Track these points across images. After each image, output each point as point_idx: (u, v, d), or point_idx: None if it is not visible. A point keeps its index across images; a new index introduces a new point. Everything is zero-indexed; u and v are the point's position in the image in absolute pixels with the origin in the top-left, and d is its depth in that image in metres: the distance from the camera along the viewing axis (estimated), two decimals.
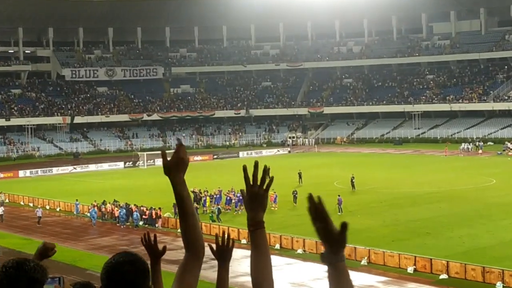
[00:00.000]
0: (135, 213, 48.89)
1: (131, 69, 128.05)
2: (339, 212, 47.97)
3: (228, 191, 54.65)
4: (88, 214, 51.77)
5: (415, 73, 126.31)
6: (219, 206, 51.19)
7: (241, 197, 48.98)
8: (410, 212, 48.80)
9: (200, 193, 54.72)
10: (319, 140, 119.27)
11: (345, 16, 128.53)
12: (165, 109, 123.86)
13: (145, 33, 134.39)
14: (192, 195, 52.39)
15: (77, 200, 54.92)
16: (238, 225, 43.76)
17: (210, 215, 48.81)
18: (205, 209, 52.26)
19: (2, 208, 54.19)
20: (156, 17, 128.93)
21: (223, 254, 4.11)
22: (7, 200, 61.62)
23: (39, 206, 54.16)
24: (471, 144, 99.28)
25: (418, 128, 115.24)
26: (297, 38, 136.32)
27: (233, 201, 52.89)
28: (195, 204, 51.97)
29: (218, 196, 54.22)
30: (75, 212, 54.03)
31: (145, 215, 49.30)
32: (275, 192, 51.08)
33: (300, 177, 64.43)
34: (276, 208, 50.87)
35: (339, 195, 49.65)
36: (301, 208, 49.55)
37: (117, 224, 50.17)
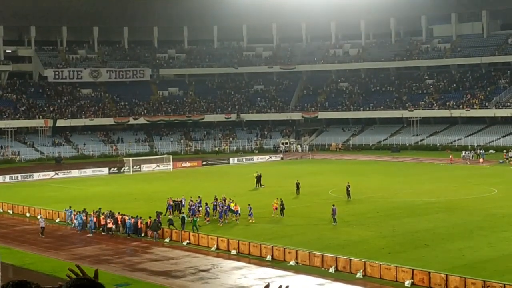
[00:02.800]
0: (128, 221, 46.88)
1: (117, 70, 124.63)
2: (334, 222, 46.85)
3: (215, 200, 52.13)
4: (76, 222, 49.86)
5: (414, 77, 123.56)
6: (192, 217, 48.43)
7: (225, 207, 46.51)
8: (408, 223, 47.52)
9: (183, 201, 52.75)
10: (313, 146, 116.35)
11: (342, 17, 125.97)
12: (152, 112, 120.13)
13: (132, 33, 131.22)
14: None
15: (70, 207, 52.42)
16: (229, 235, 43.32)
17: (193, 223, 46.07)
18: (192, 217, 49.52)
19: None
20: (144, 16, 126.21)
21: None
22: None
23: (40, 215, 51.47)
24: (472, 152, 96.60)
25: (417, 135, 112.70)
26: (291, 39, 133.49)
27: (217, 210, 50.49)
28: (176, 213, 51.08)
29: (196, 205, 51.31)
30: (67, 220, 51.50)
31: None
32: (249, 205, 49.69)
33: (298, 187, 60.46)
34: (253, 221, 48.69)
35: (333, 205, 48.54)
36: (293, 219, 50.10)
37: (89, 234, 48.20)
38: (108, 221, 46.74)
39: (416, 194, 61.33)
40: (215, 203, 51.23)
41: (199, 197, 53.19)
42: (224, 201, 51.04)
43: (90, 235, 47.36)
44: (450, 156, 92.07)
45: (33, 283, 3.49)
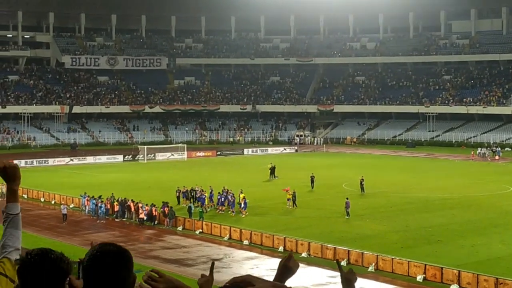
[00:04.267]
0: (141, 208, 46.86)
1: (134, 58, 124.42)
2: (347, 215, 46.70)
3: (224, 190, 51.66)
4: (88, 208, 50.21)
5: (431, 73, 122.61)
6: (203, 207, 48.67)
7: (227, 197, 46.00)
8: (421, 218, 47.10)
9: (199, 191, 52.12)
10: (328, 139, 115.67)
11: (360, 10, 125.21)
12: (168, 101, 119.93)
13: (150, 22, 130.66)
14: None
15: (85, 193, 52.32)
16: (242, 225, 43.30)
17: (199, 214, 45.95)
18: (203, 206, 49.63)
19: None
20: (162, 5, 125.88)
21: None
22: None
23: (63, 202, 51.47)
24: (487, 149, 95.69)
25: (433, 131, 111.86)
26: (309, 32, 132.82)
27: (229, 200, 50.02)
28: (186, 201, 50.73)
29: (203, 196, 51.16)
30: (82, 206, 51.65)
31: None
32: (244, 197, 48.91)
33: (312, 181, 59.97)
34: (246, 214, 48.00)
35: (347, 198, 48.34)
36: (306, 211, 49.81)
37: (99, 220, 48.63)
38: (140, 211, 46.11)
39: (430, 189, 60.75)
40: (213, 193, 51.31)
41: (210, 187, 53.01)
42: (227, 192, 50.60)
43: (103, 221, 47.42)
44: (472, 153, 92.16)
45: (56, 252, 3.52)
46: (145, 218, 45.82)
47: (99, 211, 48.47)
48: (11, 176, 4.21)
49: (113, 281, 3.41)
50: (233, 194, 49.74)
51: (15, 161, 71.10)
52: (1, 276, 3.83)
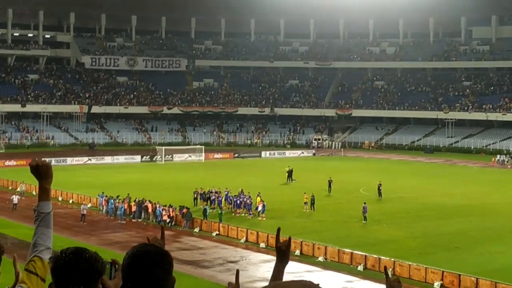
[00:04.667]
0: (157, 209, 46.91)
1: (153, 59, 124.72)
2: (364, 220, 46.83)
3: (241, 193, 51.55)
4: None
5: (450, 78, 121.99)
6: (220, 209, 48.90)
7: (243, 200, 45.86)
8: (439, 224, 47.00)
9: (215, 192, 52.60)
10: (346, 143, 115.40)
11: (380, 15, 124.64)
12: (186, 103, 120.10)
13: (170, 23, 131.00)
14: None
15: (103, 192, 52.55)
16: (258, 228, 43.44)
17: (219, 216, 46.18)
18: (220, 209, 49.61)
19: (18, 197, 52.51)
20: (182, 7, 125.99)
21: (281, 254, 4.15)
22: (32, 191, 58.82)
23: (84, 202, 51.39)
24: (507, 156, 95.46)
25: (451, 137, 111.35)
26: (328, 36, 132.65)
27: (246, 203, 49.95)
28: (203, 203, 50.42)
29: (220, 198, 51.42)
30: (99, 206, 51.64)
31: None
32: (262, 201, 48.74)
33: (330, 185, 59.79)
34: (264, 218, 47.67)
35: (364, 203, 48.24)
36: (323, 215, 49.87)
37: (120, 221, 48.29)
38: (164, 213, 45.97)
39: (449, 196, 60.53)
40: (230, 195, 51.28)
41: (225, 189, 53.04)
42: (244, 194, 50.56)
43: (122, 222, 47.46)
44: (493, 159, 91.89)
45: (90, 252, 3.50)
46: (168, 220, 45.62)
47: (118, 212, 48.39)
48: (43, 174, 4.17)
49: (152, 282, 3.37)
50: (250, 197, 49.64)
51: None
52: (32, 275, 3.81)
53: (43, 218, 4.12)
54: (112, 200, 49.63)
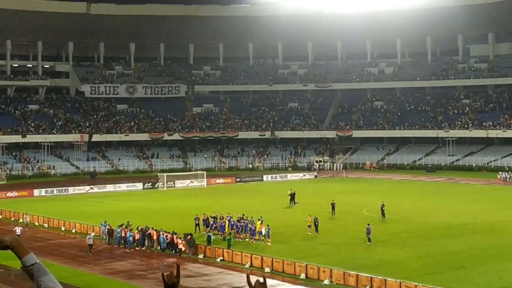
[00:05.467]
0: (162, 236, 46.52)
1: (152, 86, 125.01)
2: (368, 242, 46.45)
3: (241, 218, 51.19)
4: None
5: (450, 97, 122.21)
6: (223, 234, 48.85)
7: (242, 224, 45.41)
8: (444, 243, 46.67)
9: (219, 218, 52.26)
10: (347, 165, 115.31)
11: (377, 36, 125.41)
12: (187, 128, 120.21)
13: (168, 50, 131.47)
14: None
15: (105, 221, 51.96)
16: (263, 253, 43.18)
17: (227, 241, 45.79)
18: (223, 234, 49.39)
19: (20, 228, 51.98)
20: (180, 33, 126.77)
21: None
22: (34, 222, 59.57)
23: (91, 232, 50.53)
24: (508, 173, 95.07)
25: (452, 155, 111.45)
26: (326, 58, 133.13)
27: (250, 228, 49.55)
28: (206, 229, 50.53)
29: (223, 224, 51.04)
30: (102, 235, 51.12)
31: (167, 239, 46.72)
32: (267, 225, 48.24)
33: (333, 208, 59.63)
34: (269, 243, 47.15)
35: (368, 224, 47.97)
36: (327, 237, 49.51)
37: (127, 249, 47.69)
38: (180, 241, 45.32)
39: (452, 214, 60.35)
40: (232, 220, 50.81)
41: (228, 214, 52.71)
42: (241, 218, 50.33)
43: (129, 250, 47.25)
44: (499, 177, 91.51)
45: None
46: (183, 248, 44.98)
47: (127, 240, 47.80)
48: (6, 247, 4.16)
49: None
50: (253, 221, 49.46)
51: (36, 191, 71.45)
52: None
53: (36, 269, 4.06)
54: (119, 229, 49.24)
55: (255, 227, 48.59)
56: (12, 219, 61.63)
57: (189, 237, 45.31)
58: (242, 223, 49.51)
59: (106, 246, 49.14)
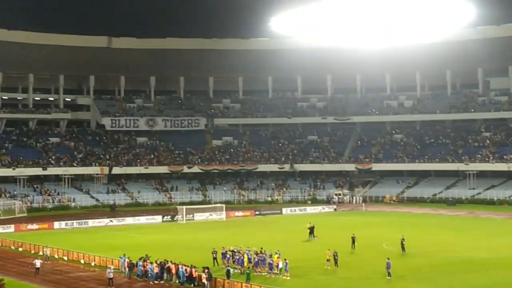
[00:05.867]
0: (180, 270, 46.04)
1: (172, 119, 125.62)
2: (388, 276, 45.57)
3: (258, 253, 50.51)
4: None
5: (470, 130, 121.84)
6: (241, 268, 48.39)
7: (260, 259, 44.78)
8: (465, 278, 45.83)
9: (237, 251, 51.61)
10: (367, 198, 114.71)
11: (397, 69, 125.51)
12: (206, 161, 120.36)
13: (188, 83, 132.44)
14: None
15: (124, 255, 51.62)
16: (281, 286, 42.86)
17: (248, 272, 45.63)
18: (242, 268, 48.91)
19: (40, 261, 51.77)
20: (199, 66, 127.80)
21: None
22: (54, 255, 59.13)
23: (110, 265, 49.76)
24: None
25: (473, 189, 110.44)
26: (346, 91, 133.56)
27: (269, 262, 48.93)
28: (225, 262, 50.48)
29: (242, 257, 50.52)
30: (122, 268, 50.41)
31: (186, 273, 46.25)
32: (285, 259, 47.41)
33: (353, 241, 59.15)
34: (288, 278, 46.43)
35: (388, 258, 46.89)
36: (347, 271, 48.80)
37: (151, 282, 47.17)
38: (203, 276, 44.19)
39: (473, 249, 59.73)
40: (250, 254, 50.48)
41: (246, 248, 52.29)
42: (260, 252, 49.94)
43: (151, 283, 46.94)
44: None
45: None
46: (206, 283, 44.72)
47: (149, 273, 47.49)
48: None
49: None
50: (272, 255, 49.23)
51: (56, 223, 71.71)
52: None
53: None
54: (141, 262, 48.87)
55: (272, 261, 48.33)
56: (32, 251, 61.67)
57: (206, 270, 45.17)
58: (260, 257, 49.28)
59: (126, 280, 48.95)
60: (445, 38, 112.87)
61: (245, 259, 49.86)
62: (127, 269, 49.25)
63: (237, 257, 50.54)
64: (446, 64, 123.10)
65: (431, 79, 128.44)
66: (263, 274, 48.13)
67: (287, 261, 47.35)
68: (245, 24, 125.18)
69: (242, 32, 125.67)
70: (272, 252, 49.61)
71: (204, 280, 44.18)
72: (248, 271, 46.01)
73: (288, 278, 46.40)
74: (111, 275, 46.11)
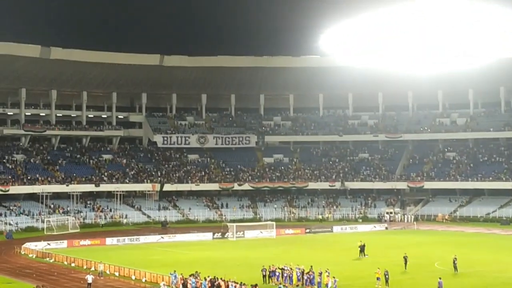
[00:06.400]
0: (230, 287, 46.03)
1: (223, 136, 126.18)
2: None
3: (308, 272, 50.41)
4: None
5: None
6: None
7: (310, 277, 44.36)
8: None
9: (288, 269, 51.28)
10: (419, 216, 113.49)
11: (449, 86, 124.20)
12: (257, 179, 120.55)
13: (239, 100, 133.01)
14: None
15: (174, 271, 51.95)
16: None
17: None
18: (290, 286, 48.87)
19: (92, 276, 52.28)
20: (251, 84, 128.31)
21: None
22: (105, 270, 59.57)
23: (162, 282, 50.15)
24: None
25: None
26: (397, 108, 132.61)
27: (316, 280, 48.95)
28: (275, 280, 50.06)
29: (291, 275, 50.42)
30: (172, 285, 50.45)
31: None
32: (334, 277, 47.39)
33: (406, 261, 58.32)
34: None
35: (440, 278, 46.58)
36: None
37: None
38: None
39: None
40: (299, 272, 50.29)
41: (296, 265, 52.04)
42: (310, 271, 49.69)
43: None
44: None
45: None
46: None
47: None
48: None
49: None
50: (321, 273, 48.96)
51: (108, 239, 72.76)
52: None
53: None
54: (194, 279, 48.91)
55: (321, 279, 48.06)
56: (84, 267, 62.40)
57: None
58: (310, 275, 49.06)
59: None
60: (498, 56, 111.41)
61: (294, 277, 49.72)
62: (180, 285, 49.21)
63: (286, 274, 50.44)
64: (499, 81, 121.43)
65: (484, 96, 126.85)
66: None
67: (336, 280, 47.07)
68: (296, 42, 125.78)
69: (293, 49, 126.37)
70: (322, 270, 49.40)
71: None
72: None
73: None
74: None
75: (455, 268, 56.23)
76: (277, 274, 51.09)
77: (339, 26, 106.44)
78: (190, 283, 48.70)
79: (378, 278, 49.71)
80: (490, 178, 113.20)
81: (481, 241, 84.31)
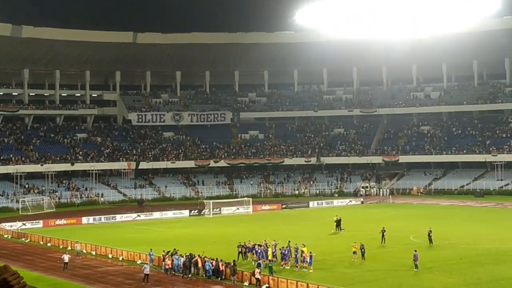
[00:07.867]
0: (207, 263, 46.26)
1: (198, 114, 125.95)
2: (415, 268, 45.57)
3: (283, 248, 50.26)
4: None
5: (497, 120, 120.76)
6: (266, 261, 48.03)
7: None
8: (493, 270, 45.48)
9: (264, 245, 51.08)
10: (394, 190, 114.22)
11: (423, 60, 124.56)
12: (232, 155, 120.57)
13: (214, 77, 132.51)
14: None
15: (151, 250, 51.99)
16: (307, 279, 42.24)
17: (270, 265, 45.77)
18: (266, 261, 48.41)
19: (68, 256, 52.10)
20: (225, 61, 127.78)
21: None
22: (82, 250, 59.24)
23: (147, 262, 49.85)
24: None
25: (501, 180, 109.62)
26: (372, 83, 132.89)
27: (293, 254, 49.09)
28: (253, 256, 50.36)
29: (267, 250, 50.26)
30: (149, 263, 49.93)
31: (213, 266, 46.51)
32: (310, 252, 47.29)
33: (383, 235, 58.56)
34: (311, 271, 46.33)
35: (415, 250, 46.94)
36: (373, 264, 48.80)
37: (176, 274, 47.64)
38: (257, 270, 43.91)
39: (501, 240, 59.11)
40: (274, 248, 50.07)
41: (273, 241, 52.09)
42: (283, 246, 49.63)
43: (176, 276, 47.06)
44: None
45: None
46: (260, 277, 43.14)
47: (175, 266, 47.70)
48: None
49: None
50: (297, 249, 49.11)
51: (84, 218, 72.49)
52: None
53: None
54: (177, 256, 48.49)
55: (297, 254, 48.19)
56: (61, 246, 62.20)
57: (231, 264, 45.27)
58: (285, 250, 49.11)
59: (152, 273, 48.66)
60: (471, 28, 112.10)
61: (270, 252, 49.82)
62: (181, 267, 48.02)
63: (260, 250, 50.40)
64: (472, 55, 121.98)
65: (457, 70, 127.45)
66: (286, 268, 48.00)
67: (311, 254, 47.25)
68: (270, 18, 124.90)
69: (267, 25, 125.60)
70: (298, 245, 49.56)
71: (257, 276, 43.67)
72: (270, 265, 46.05)
73: (312, 271, 46.35)
74: (147, 271, 45.96)
75: (430, 240, 56.55)
76: (257, 250, 50.82)
77: (311, 0, 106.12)
78: (173, 259, 48.48)
79: (354, 252, 49.98)
80: (464, 151, 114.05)
81: (455, 213, 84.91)
